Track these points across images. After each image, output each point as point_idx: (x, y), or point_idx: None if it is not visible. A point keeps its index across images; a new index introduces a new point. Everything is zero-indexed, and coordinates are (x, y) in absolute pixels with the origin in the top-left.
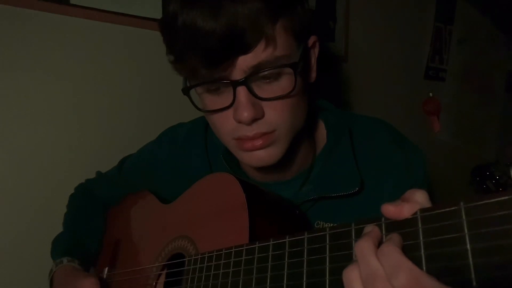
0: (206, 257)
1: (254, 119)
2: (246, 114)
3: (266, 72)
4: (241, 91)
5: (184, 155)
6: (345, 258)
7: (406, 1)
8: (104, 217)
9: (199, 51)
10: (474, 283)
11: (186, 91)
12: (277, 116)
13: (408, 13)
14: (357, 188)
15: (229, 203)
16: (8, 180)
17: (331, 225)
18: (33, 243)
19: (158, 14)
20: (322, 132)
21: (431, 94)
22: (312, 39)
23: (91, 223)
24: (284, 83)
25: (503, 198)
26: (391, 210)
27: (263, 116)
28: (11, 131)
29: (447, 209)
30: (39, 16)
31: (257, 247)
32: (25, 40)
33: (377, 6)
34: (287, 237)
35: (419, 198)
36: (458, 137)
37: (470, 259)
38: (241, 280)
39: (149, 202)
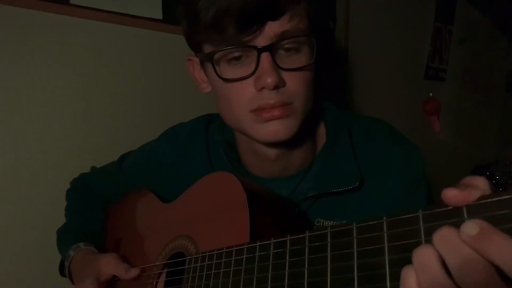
0: (207, 256)
1: (276, 87)
2: (270, 80)
3: (290, 40)
4: (265, 57)
5: (185, 154)
6: (347, 257)
7: (406, 1)
8: (103, 213)
9: (234, 11)
10: None
11: (210, 56)
12: (296, 87)
13: (408, 13)
14: (357, 183)
15: (229, 203)
16: (11, 179)
17: (332, 222)
18: (35, 242)
19: (158, 14)
20: (322, 131)
21: (431, 94)
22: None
23: (94, 214)
24: (304, 57)
25: (504, 197)
26: (456, 195)
27: (284, 85)
28: (11, 131)
29: (449, 208)
30: (39, 16)
31: (258, 246)
32: (25, 40)
33: (377, 6)
34: (288, 236)
35: (482, 184)
36: (458, 137)
37: None
38: (242, 279)
39: (149, 201)
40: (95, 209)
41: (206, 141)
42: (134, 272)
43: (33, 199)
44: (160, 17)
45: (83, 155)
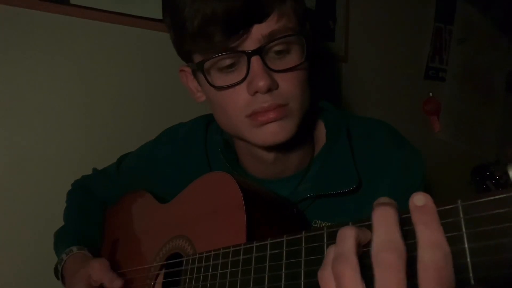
0: (204, 257)
1: (269, 89)
2: (262, 83)
3: (278, 41)
4: (255, 61)
5: (183, 154)
6: None
7: (406, 1)
8: (102, 214)
9: (219, 18)
10: (472, 282)
11: (200, 65)
12: (290, 88)
13: (408, 13)
14: (354, 186)
15: (226, 203)
16: (11, 179)
17: (329, 224)
18: (36, 243)
19: (158, 14)
20: (321, 132)
21: (431, 94)
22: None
23: (93, 216)
24: (295, 56)
25: (500, 196)
26: None
27: (277, 87)
28: (11, 132)
29: (445, 207)
30: (39, 16)
31: (254, 247)
32: (25, 40)
33: (377, 6)
34: (284, 237)
35: None
36: (458, 137)
37: (468, 258)
38: (239, 280)
39: (146, 201)
40: (93, 212)
41: (205, 141)
42: (118, 283)
43: (34, 200)
44: (160, 17)
45: (82, 155)
